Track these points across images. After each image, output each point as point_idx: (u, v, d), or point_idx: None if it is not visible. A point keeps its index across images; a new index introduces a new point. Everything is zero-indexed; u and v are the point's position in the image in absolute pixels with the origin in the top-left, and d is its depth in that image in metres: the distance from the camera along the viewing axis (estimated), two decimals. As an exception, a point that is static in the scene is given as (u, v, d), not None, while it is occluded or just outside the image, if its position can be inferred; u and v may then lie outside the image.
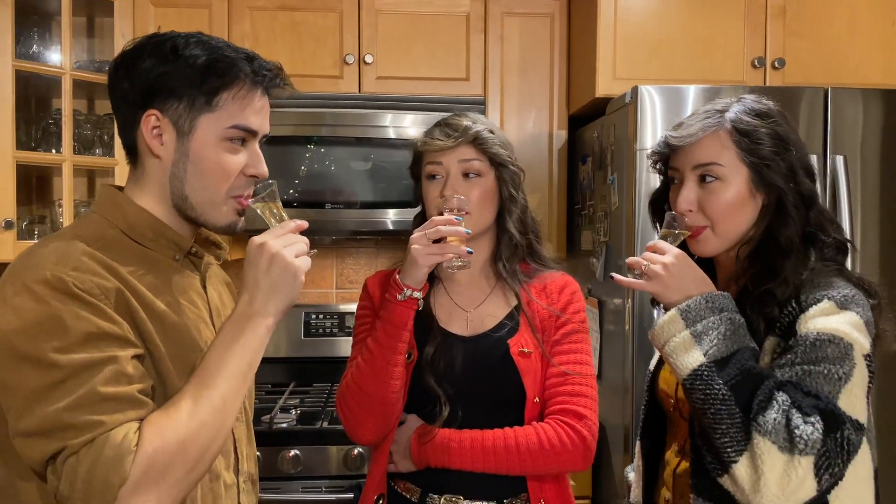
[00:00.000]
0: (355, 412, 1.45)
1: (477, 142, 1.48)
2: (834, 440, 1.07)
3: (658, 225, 1.40)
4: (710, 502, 1.20)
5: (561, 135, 2.71)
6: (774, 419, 1.08)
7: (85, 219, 1.13)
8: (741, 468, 1.09)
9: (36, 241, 2.33)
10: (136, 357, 1.01)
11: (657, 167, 1.36)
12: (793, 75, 2.45)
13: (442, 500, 1.45)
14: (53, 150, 2.37)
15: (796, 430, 1.06)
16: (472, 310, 1.54)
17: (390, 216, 2.49)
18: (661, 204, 1.38)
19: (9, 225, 2.18)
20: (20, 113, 2.32)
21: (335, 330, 2.83)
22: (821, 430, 1.07)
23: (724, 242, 1.28)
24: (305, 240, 1.10)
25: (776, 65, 2.44)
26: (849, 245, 1.30)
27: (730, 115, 1.26)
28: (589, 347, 1.53)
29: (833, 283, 1.19)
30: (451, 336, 1.50)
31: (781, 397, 1.10)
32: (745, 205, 1.25)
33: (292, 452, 2.20)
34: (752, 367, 1.14)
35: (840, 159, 2.13)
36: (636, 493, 1.46)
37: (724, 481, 1.13)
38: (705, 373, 1.13)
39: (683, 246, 1.30)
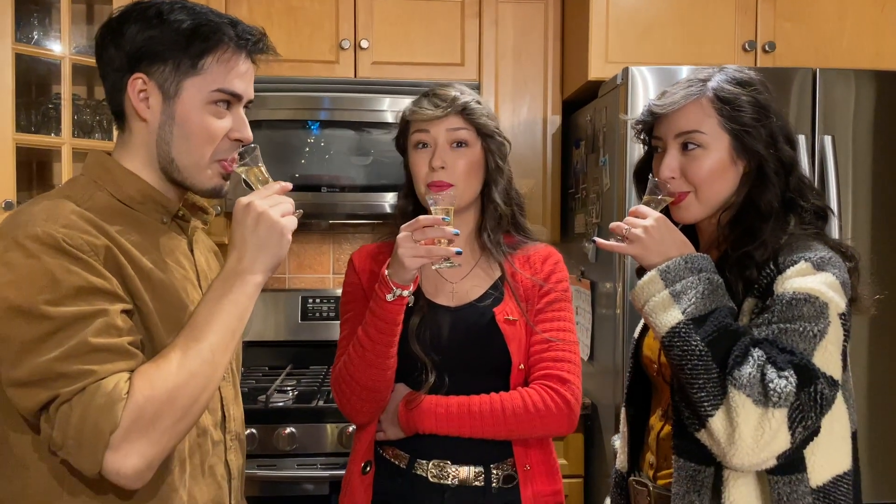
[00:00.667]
0: (350, 400, 1.47)
1: (465, 112, 1.50)
2: (807, 394, 1.10)
3: (641, 193, 1.43)
4: (690, 461, 1.23)
5: (555, 120, 2.73)
6: (749, 373, 1.10)
7: (74, 181, 1.16)
8: (717, 422, 1.12)
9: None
10: (125, 312, 1.03)
11: (641, 137, 1.38)
12: (783, 58, 2.47)
13: (430, 465, 1.48)
14: (53, 134, 2.40)
15: (770, 384, 1.09)
16: (458, 281, 1.57)
17: (388, 200, 2.52)
18: (645, 173, 1.40)
19: (8, 206, 2.21)
20: (20, 98, 2.34)
21: (332, 314, 2.85)
22: (794, 384, 1.09)
23: (707, 208, 1.30)
24: (291, 200, 1.13)
25: (767, 48, 2.46)
26: (829, 211, 1.33)
27: (712, 83, 1.28)
28: (572, 315, 1.56)
29: (811, 247, 1.22)
30: (437, 307, 1.53)
31: (756, 353, 1.12)
32: (726, 171, 1.28)
33: (288, 430, 2.23)
34: (729, 325, 1.16)
35: (828, 139, 2.15)
36: (621, 459, 1.48)
37: (702, 436, 1.16)
38: (683, 330, 1.16)
39: (666, 213, 1.33)
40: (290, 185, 1.15)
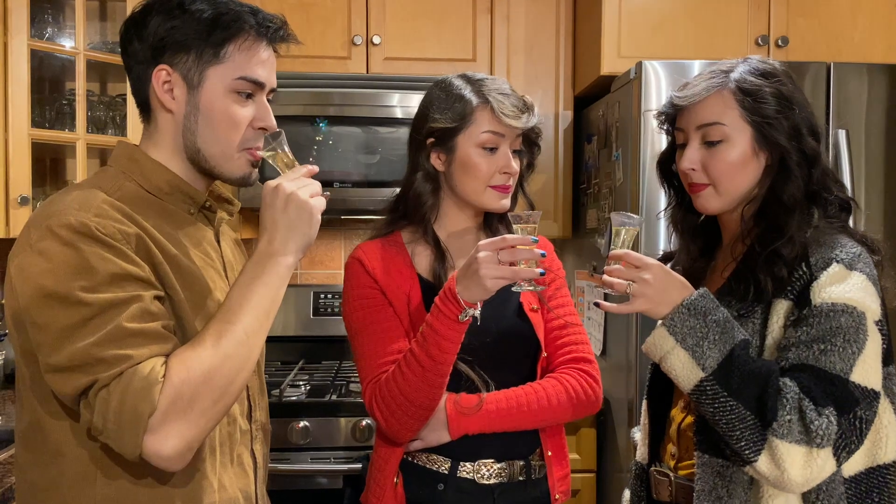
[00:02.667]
0: (401, 419, 1.38)
1: (536, 123, 1.48)
2: (848, 421, 1.12)
3: (665, 185, 1.43)
4: (717, 457, 1.23)
5: (567, 115, 2.74)
6: (788, 420, 1.11)
7: (102, 172, 1.17)
8: (762, 465, 1.13)
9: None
10: (158, 298, 1.04)
11: (664, 128, 1.38)
12: (796, 53, 2.47)
13: (475, 466, 1.45)
14: (67, 130, 2.41)
15: (812, 425, 1.10)
16: None
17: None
18: (669, 165, 1.41)
19: (24, 201, 2.23)
20: (35, 94, 2.36)
21: (343, 309, 2.86)
22: (835, 420, 1.11)
23: (727, 200, 1.30)
24: (318, 183, 1.13)
25: (779, 43, 2.46)
26: (852, 203, 1.32)
27: (734, 75, 1.28)
28: (571, 300, 1.60)
29: (838, 241, 1.22)
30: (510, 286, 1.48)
31: (791, 392, 1.13)
32: (748, 164, 1.27)
33: (301, 424, 2.24)
34: (753, 368, 1.16)
35: (843, 133, 2.15)
36: (642, 451, 1.49)
37: (748, 471, 1.17)
38: (708, 387, 1.16)
39: (689, 204, 1.33)
40: (316, 168, 1.15)
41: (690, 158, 1.29)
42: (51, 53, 2.36)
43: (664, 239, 2.11)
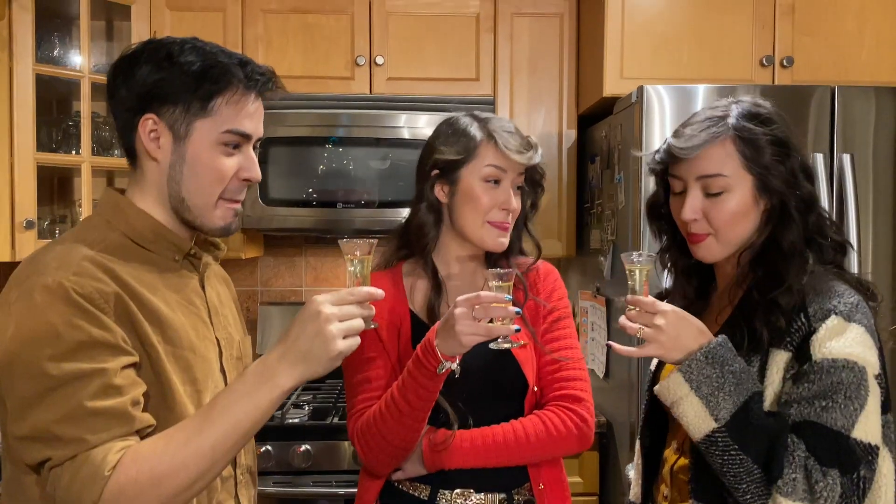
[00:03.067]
0: (378, 456, 1.43)
1: (538, 162, 1.51)
2: (851, 482, 1.12)
3: (655, 231, 1.42)
4: None
5: (570, 134, 2.73)
6: (793, 479, 1.12)
7: (88, 222, 1.18)
8: None
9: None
10: (130, 366, 1.04)
11: (655, 172, 1.37)
12: (801, 73, 2.44)
13: (454, 495, 1.47)
14: (73, 152, 2.44)
15: (816, 486, 1.11)
16: None
17: (404, 215, 2.50)
18: (659, 210, 1.39)
19: (30, 225, 2.25)
20: (42, 115, 2.38)
21: (348, 327, 2.86)
22: (839, 482, 1.12)
23: (728, 249, 1.29)
24: (369, 311, 1.09)
25: (785, 63, 2.44)
26: (847, 245, 1.31)
27: (731, 121, 1.26)
28: (574, 332, 1.57)
29: (835, 290, 1.21)
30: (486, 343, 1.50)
31: (799, 450, 1.13)
32: (749, 212, 1.26)
33: (303, 447, 2.24)
34: (765, 423, 1.16)
35: (847, 158, 2.13)
36: (635, 491, 1.48)
37: None
38: (720, 439, 1.15)
39: (686, 252, 1.32)
40: (379, 294, 1.09)
41: (693, 207, 1.27)
42: (57, 77, 2.38)
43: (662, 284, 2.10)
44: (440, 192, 1.50)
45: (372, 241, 1.17)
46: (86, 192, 2.40)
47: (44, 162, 2.32)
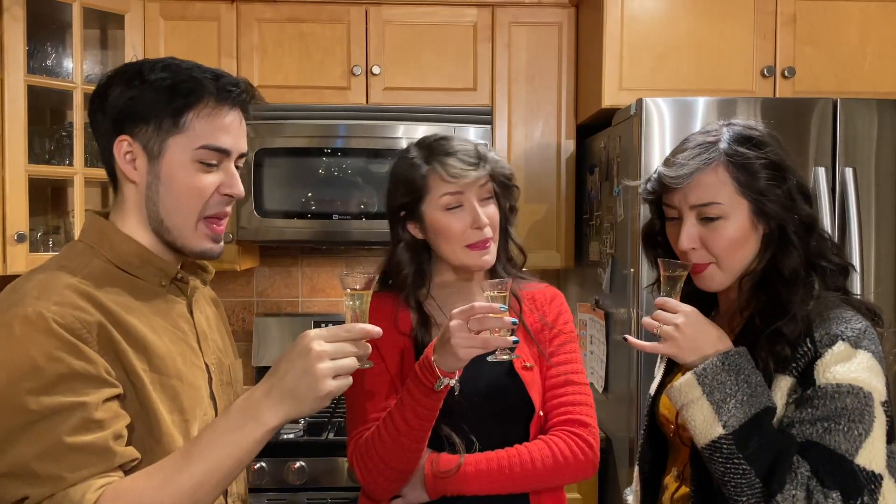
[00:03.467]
0: (377, 479, 1.38)
1: (495, 168, 1.46)
2: None
3: (651, 262, 1.39)
4: None
5: (569, 144, 2.70)
6: (793, 495, 1.10)
7: (71, 248, 1.15)
8: None
9: (49, 252, 2.37)
10: (114, 398, 1.02)
11: (648, 201, 1.34)
12: (803, 84, 2.41)
13: None
14: (67, 162, 2.41)
15: None
16: None
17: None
18: (654, 237, 1.37)
19: (21, 238, 2.22)
20: (35, 125, 2.36)
21: (344, 339, 2.83)
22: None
23: (730, 276, 1.26)
24: (364, 350, 1.05)
25: (786, 74, 2.41)
26: (850, 268, 1.29)
27: (723, 146, 1.23)
28: (580, 356, 1.54)
29: (842, 316, 1.18)
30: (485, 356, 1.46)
31: (802, 470, 1.11)
32: (748, 238, 1.24)
33: (298, 464, 2.22)
34: (772, 438, 1.13)
35: (850, 171, 2.10)
36: None
37: None
38: (724, 446, 1.13)
39: (689, 281, 1.30)
40: (376, 332, 1.06)
41: (690, 236, 1.24)
42: (48, 86, 2.35)
43: None
44: (414, 230, 1.49)
45: (371, 276, 1.15)
46: (79, 203, 2.38)
47: (36, 174, 2.30)
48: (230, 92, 1.12)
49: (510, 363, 1.46)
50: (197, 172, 1.11)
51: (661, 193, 1.29)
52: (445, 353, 1.26)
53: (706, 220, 1.23)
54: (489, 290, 1.28)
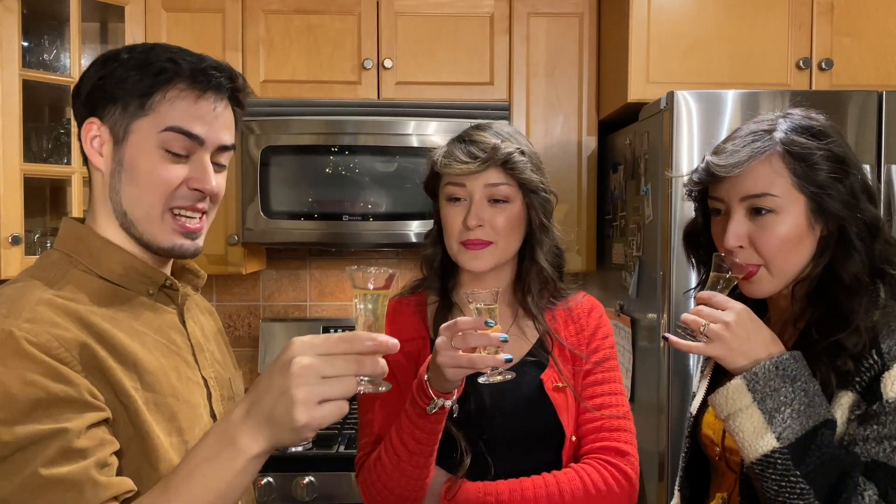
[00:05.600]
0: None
1: (507, 165, 1.31)
2: None
3: (693, 262, 1.27)
4: None
5: (590, 141, 2.57)
6: None
7: (45, 258, 1.03)
8: None
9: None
10: (101, 422, 0.90)
11: (692, 195, 1.22)
12: (841, 77, 2.28)
13: None
14: (65, 161, 2.30)
15: None
16: None
17: (413, 228, 2.38)
18: (697, 236, 1.24)
19: (16, 240, 2.11)
20: (32, 122, 2.26)
21: (354, 345, 2.72)
22: None
23: (781, 282, 1.14)
24: (374, 369, 0.81)
25: (823, 66, 2.27)
26: None
27: (779, 135, 1.11)
28: (620, 375, 1.41)
29: None
30: (476, 377, 1.31)
31: (870, 492, 0.99)
32: (803, 239, 1.11)
33: (307, 479, 2.11)
34: (835, 455, 1.01)
35: None
36: None
37: None
38: (779, 461, 1.00)
39: (734, 290, 1.17)
40: (394, 345, 0.83)
41: (737, 234, 1.12)
42: (45, 81, 2.24)
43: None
44: (436, 216, 1.42)
45: (390, 271, 0.92)
46: (77, 204, 2.27)
47: (32, 173, 2.19)
48: (209, 76, 1.01)
49: (540, 381, 1.34)
50: (161, 160, 1.00)
51: (706, 186, 1.17)
52: (435, 372, 1.15)
53: (757, 215, 1.11)
54: (474, 301, 1.13)
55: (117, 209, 1.02)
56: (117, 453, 0.91)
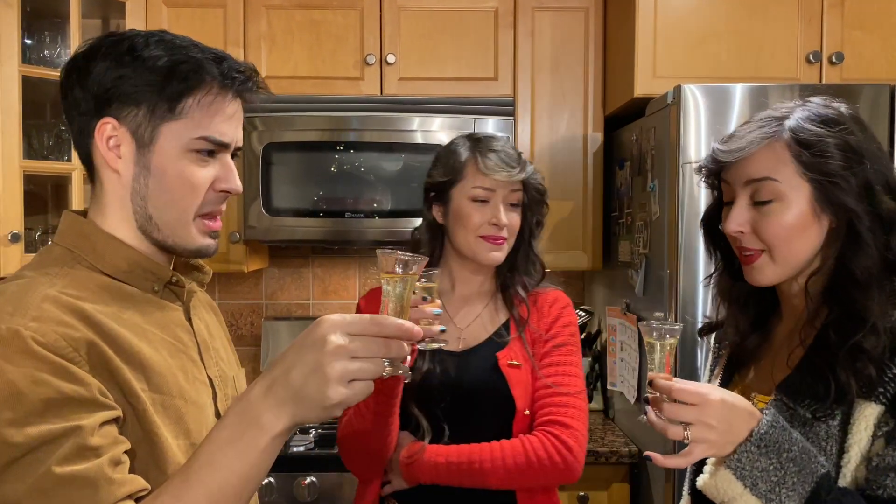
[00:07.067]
0: (354, 460, 1.48)
1: (529, 175, 1.52)
2: None
3: (712, 248, 1.23)
4: None
5: (596, 137, 2.53)
6: None
7: (48, 253, 1.00)
8: None
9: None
10: (112, 421, 0.87)
11: (709, 181, 1.19)
12: (852, 71, 2.24)
13: None
14: (66, 158, 2.28)
15: None
16: (466, 326, 1.55)
17: (415, 225, 2.34)
18: (715, 221, 1.21)
19: (15, 238, 2.09)
20: (33, 119, 2.24)
21: (358, 344, 2.69)
22: None
23: (785, 270, 1.10)
24: (399, 352, 0.81)
25: (833, 59, 2.23)
26: None
27: (790, 122, 1.08)
28: (579, 360, 1.54)
29: None
30: (443, 353, 1.49)
31: None
32: (807, 228, 1.08)
33: (308, 479, 2.08)
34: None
35: (908, 165, 1.92)
36: None
37: None
38: None
39: (738, 272, 1.14)
40: (418, 332, 0.83)
41: (737, 219, 1.10)
42: (45, 79, 2.22)
43: (702, 303, 1.92)
44: (437, 213, 1.56)
45: (422, 258, 0.91)
46: (77, 201, 2.25)
47: (31, 170, 2.17)
48: (235, 78, 0.99)
49: (495, 358, 1.49)
50: (191, 165, 0.98)
51: (720, 172, 1.14)
52: None
53: (759, 200, 1.08)
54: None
55: (141, 213, 0.99)
56: (128, 453, 0.89)
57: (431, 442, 1.44)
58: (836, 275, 1.07)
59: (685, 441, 0.98)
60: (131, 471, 0.88)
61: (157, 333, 0.99)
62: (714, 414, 0.97)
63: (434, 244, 1.57)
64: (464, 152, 1.52)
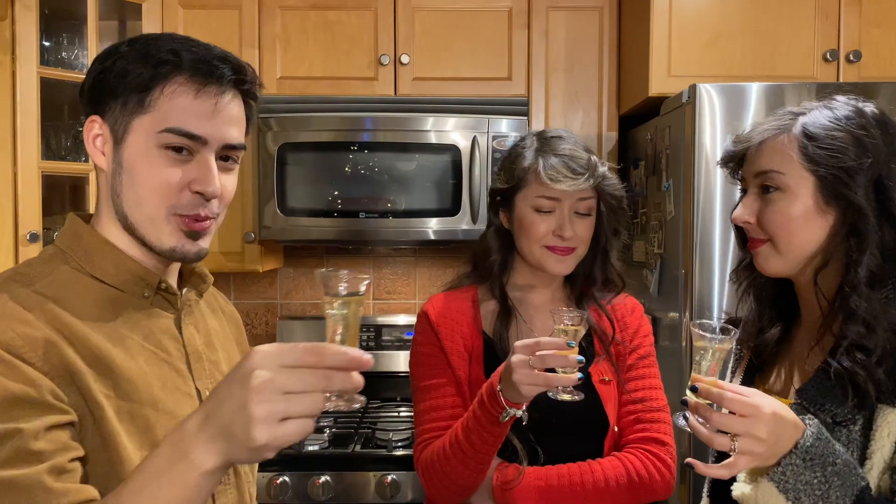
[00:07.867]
0: (441, 492, 1.37)
1: (603, 181, 1.41)
2: None
3: (739, 241, 1.23)
4: None
5: (611, 136, 2.52)
6: None
7: (43, 252, 1.00)
8: None
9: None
10: (64, 425, 0.85)
11: (736, 176, 1.20)
12: (870, 69, 2.22)
13: None
14: (83, 158, 2.31)
15: None
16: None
17: (431, 225, 2.35)
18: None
19: (34, 238, 2.11)
20: (51, 121, 2.26)
21: (371, 343, 2.70)
22: None
23: (789, 260, 1.11)
24: (343, 384, 0.73)
25: (851, 58, 2.21)
26: None
27: (804, 118, 1.09)
28: (658, 371, 1.49)
29: None
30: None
31: None
32: (810, 221, 1.08)
33: (322, 478, 2.08)
34: None
35: (927, 164, 1.90)
36: None
37: None
38: None
39: (749, 264, 1.14)
40: (368, 361, 0.75)
41: (742, 211, 1.13)
42: (64, 79, 2.25)
43: (718, 304, 1.91)
44: (504, 218, 1.48)
45: (363, 276, 0.84)
46: (94, 202, 2.26)
47: (50, 170, 2.19)
48: (212, 67, 0.94)
49: (588, 377, 1.40)
50: (161, 162, 0.94)
51: (740, 164, 1.16)
52: (509, 385, 1.21)
53: (765, 192, 1.10)
54: (559, 323, 1.18)
55: (119, 211, 0.97)
56: (82, 461, 0.86)
57: (528, 465, 1.36)
58: (846, 276, 1.07)
59: (730, 452, 0.95)
60: (88, 479, 0.86)
61: (136, 340, 0.97)
62: (765, 427, 0.94)
63: (504, 250, 1.48)
64: (528, 156, 1.41)
